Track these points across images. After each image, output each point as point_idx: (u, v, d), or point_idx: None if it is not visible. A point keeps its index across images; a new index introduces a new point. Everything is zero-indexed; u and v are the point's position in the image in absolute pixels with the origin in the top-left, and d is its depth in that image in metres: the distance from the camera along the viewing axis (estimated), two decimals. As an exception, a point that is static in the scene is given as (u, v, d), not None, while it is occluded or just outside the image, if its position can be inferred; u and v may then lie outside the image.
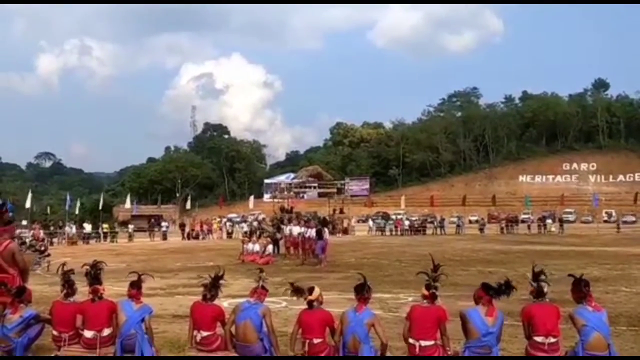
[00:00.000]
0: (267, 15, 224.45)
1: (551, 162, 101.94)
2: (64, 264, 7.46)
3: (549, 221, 52.42)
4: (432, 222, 54.55)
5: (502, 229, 50.82)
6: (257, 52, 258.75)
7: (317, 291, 6.48)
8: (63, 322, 6.82)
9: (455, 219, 55.05)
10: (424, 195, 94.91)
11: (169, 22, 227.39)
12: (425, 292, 6.30)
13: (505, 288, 6.19)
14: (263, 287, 6.81)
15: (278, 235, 26.87)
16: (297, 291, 6.64)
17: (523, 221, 55.57)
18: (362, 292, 6.34)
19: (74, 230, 41.97)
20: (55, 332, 6.86)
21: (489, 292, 6.15)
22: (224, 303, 9.28)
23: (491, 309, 6.07)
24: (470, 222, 59.85)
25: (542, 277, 6.31)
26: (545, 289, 6.28)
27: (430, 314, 6.10)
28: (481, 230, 49.71)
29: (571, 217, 69.52)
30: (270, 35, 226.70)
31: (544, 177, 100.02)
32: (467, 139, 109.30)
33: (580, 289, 6.09)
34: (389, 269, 19.77)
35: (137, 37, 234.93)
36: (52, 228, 42.59)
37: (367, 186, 70.54)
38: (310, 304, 6.41)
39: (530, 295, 6.28)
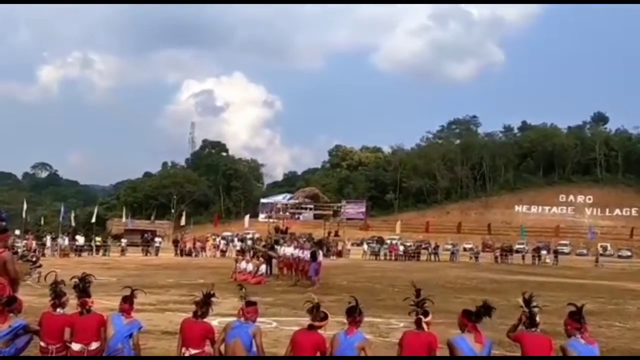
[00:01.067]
0: (271, 34, 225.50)
1: (548, 193, 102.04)
2: (56, 274, 7.39)
3: (543, 252, 52.32)
4: (426, 249, 54.47)
5: (496, 258, 50.73)
6: (259, 71, 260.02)
7: (327, 321, 6.30)
8: (51, 333, 6.74)
9: (449, 246, 55.01)
10: (419, 221, 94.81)
11: (173, 37, 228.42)
12: (415, 318, 6.24)
13: (485, 310, 6.08)
14: (248, 303, 6.69)
15: (273, 254, 26.76)
16: (314, 310, 6.35)
17: (517, 251, 55.43)
18: (354, 314, 6.26)
19: (66, 242, 41.73)
20: (42, 344, 6.77)
21: (470, 318, 6.08)
22: (214, 321, 9.17)
23: (478, 335, 5.97)
24: (464, 249, 59.82)
25: (534, 304, 6.22)
26: (538, 318, 6.20)
27: (421, 340, 6.03)
28: (475, 258, 49.67)
29: (566, 249, 69.39)
30: (273, 54, 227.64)
31: (540, 207, 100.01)
32: (465, 167, 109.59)
33: (579, 319, 5.99)
34: (382, 294, 19.69)
35: (140, 51, 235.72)
36: (45, 239, 42.31)
37: (364, 209, 70.61)
38: (311, 327, 6.27)
39: (522, 326, 6.20)
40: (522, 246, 60.30)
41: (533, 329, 6.08)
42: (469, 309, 6.18)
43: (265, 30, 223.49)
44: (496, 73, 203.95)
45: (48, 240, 41.67)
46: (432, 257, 50.62)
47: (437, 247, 53.25)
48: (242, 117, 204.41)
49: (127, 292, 6.89)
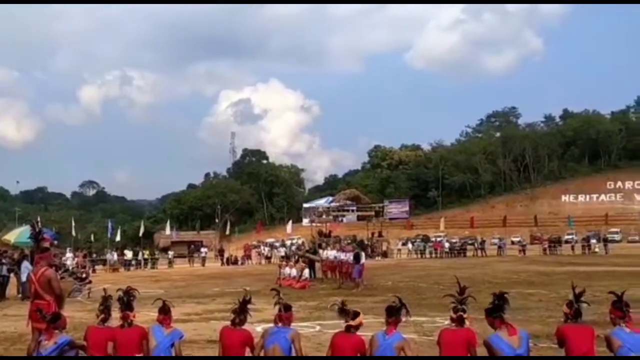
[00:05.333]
0: (305, 40, 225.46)
1: (594, 181, 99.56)
2: (105, 290, 7.53)
3: (593, 241, 51.11)
4: (472, 244, 53.82)
5: (544, 250, 49.78)
6: (295, 77, 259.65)
7: (360, 318, 6.28)
8: (97, 347, 6.87)
9: (496, 241, 54.21)
10: (463, 217, 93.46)
11: (207, 49, 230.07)
12: (453, 316, 6.17)
13: (500, 301, 5.96)
14: (285, 309, 6.67)
15: (315, 258, 26.85)
16: (342, 312, 6.40)
17: (567, 242, 54.24)
18: (395, 315, 6.19)
19: (115, 257, 42.55)
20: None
21: (492, 315, 5.96)
22: (258, 328, 9.25)
23: (511, 329, 5.83)
24: (512, 243, 58.87)
25: (583, 299, 6.08)
26: (583, 312, 6.04)
27: (459, 336, 5.95)
28: (523, 251, 48.84)
29: (617, 237, 67.67)
30: (308, 59, 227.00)
31: (588, 196, 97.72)
32: (507, 159, 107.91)
33: (621, 308, 5.86)
34: (427, 292, 19.54)
35: (177, 66, 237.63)
36: (94, 255, 43.24)
37: (407, 208, 70.10)
38: (348, 328, 6.27)
39: (567, 319, 6.07)
40: (571, 236, 58.93)
41: (576, 320, 5.95)
42: (489, 307, 6.04)
43: (298, 36, 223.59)
44: (535, 63, 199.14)
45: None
46: (479, 252, 49.95)
47: (483, 242, 52.52)
48: (280, 123, 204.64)
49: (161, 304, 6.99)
